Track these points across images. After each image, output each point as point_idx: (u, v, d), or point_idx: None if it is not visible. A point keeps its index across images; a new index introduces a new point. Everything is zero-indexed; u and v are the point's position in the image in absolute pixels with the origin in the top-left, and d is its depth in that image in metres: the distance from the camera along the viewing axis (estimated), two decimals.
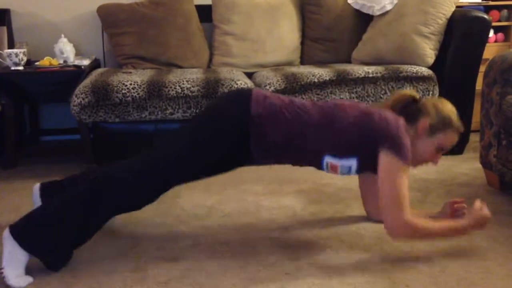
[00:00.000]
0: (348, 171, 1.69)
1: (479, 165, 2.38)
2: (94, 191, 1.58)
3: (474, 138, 2.92)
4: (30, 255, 1.52)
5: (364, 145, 1.64)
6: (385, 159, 1.60)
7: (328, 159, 1.66)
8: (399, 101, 1.77)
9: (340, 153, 1.65)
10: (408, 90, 1.83)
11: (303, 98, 2.58)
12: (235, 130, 1.65)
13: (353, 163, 1.66)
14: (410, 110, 1.75)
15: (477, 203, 1.72)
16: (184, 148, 1.64)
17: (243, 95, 1.71)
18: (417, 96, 1.78)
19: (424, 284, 1.51)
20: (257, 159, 1.72)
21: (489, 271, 1.58)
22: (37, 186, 1.90)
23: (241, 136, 1.65)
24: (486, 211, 1.69)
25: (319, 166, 1.70)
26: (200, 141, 1.65)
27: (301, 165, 1.77)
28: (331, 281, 1.53)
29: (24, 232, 1.53)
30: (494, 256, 1.67)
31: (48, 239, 1.54)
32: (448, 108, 1.75)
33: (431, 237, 1.66)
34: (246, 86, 2.55)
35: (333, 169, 1.68)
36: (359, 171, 1.72)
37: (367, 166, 1.68)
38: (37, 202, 1.87)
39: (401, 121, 1.65)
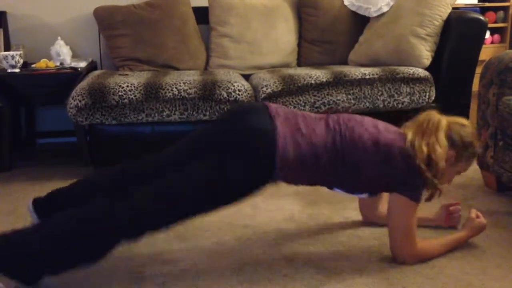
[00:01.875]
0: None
1: (476, 166, 2.37)
2: (89, 229, 1.44)
3: None
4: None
5: (381, 188, 1.68)
6: (399, 200, 1.60)
7: (338, 190, 1.67)
8: (424, 123, 1.63)
9: (353, 191, 1.69)
10: (437, 115, 1.65)
11: (300, 100, 2.59)
12: (255, 175, 1.55)
13: (364, 196, 1.74)
14: None
15: (473, 212, 1.79)
16: (200, 193, 1.51)
17: (268, 136, 1.51)
18: (444, 123, 1.63)
19: (421, 286, 1.50)
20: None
21: (487, 272, 1.58)
22: (30, 202, 1.72)
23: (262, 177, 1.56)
24: (482, 219, 1.77)
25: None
26: (218, 186, 1.51)
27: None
28: (329, 282, 1.53)
29: (9, 257, 1.41)
30: (491, 257, 1.67)
31: (34, 265, 1.42)
32: (470, 134, 1.67)
33: (438, 256, 1.69)
34: (243, 87, 2.54)
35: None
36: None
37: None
38: (34, 217, 1.69)
39: (422, 164, 1.56)
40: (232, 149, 1.52)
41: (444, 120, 1.64)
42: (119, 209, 1.45)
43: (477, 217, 1.78)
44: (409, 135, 1.60)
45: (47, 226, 1.48)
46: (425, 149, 1.56)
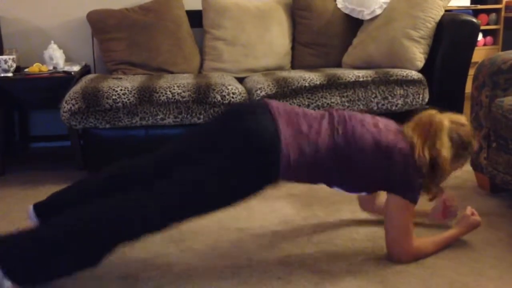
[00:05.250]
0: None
1: (470, 168, 2.38)
2: (89, 233, 1.43)
3: None
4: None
5: (379, 187, 1.68)
6: (397, 201, 1.60)
7: (336, 188, 1.66)
8: (426, 125, 1.63)
9: (352, 190, 1.69)
10: (437, 115, 1.65)
11: (295, 103, 2.59)
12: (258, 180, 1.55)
13: (362, 193, 1.77)
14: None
15: (469, 210, 1.82)
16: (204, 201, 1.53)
17: (272, 143, 1.49)
18: (447, 125, 1.63)
19: (416, 287, 1.50)
20: None
21: (481, 273, 1.58)
22: (30, 208, 1.70)
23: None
24: (477, 217, 1.80)
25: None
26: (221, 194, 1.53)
27: None
28: (323, 285, 1.52)
29: (9, 259, 1.40)
30: (486, 259, 1.68)
31: (34, 270, 1.41)
32: (469, 133, 1.67)
33: (432, 254, 1.71)
34: (237, 90, 2.54)
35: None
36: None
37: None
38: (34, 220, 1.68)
39: (423, 167, 1.57)
40: (237, 156, 1.50)
41: (446, 122, 1.63)
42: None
43: (472, 214, 1.81)
44: (413, 138, 1.59)
45: (56, 226, 1.46)
46: (427, 154, 1.56)
